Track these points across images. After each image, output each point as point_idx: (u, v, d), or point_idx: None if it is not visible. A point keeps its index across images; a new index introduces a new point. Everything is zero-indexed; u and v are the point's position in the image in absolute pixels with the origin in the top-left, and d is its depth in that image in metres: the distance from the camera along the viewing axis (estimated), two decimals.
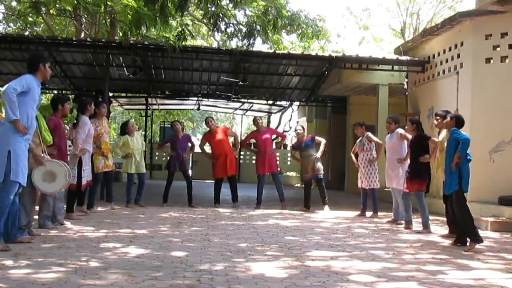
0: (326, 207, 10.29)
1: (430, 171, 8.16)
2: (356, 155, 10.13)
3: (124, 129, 10.35)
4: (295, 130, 10.94)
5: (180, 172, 10.50)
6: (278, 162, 11.15)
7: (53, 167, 6.22)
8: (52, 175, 6.22)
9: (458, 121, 6.90)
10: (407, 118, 8.66)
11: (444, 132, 7.50)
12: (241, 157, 21.08)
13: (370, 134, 9.93)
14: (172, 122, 11.18)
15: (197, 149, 11.35)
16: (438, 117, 7.68)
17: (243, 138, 16.44)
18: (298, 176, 19.95)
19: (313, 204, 10.57)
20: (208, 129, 10.85)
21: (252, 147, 11.70)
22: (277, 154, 11.39)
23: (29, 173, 6.05)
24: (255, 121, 11.07)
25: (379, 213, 9.77)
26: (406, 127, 8.43)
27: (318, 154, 10.36)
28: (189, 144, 10.81)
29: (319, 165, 10.36)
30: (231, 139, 11.30)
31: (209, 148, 11.10)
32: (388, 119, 9.22)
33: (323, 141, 10.61)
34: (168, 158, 10.85)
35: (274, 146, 11.12)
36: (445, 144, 7.25)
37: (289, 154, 11.26)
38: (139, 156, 10.22)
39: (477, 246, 6.36)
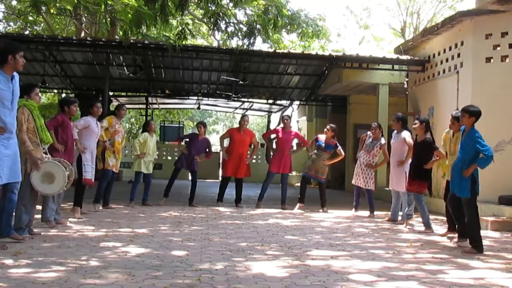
0: (325, 209, 10.34)
1: (431, 174, 8.16)
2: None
3: (146, 127, 10.55)
4: (326, 127, 10.70)
5: (186, 170, 10.51)
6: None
7: (51, 168, 6.21)
8: (51, 176, 6.20)
9: (475, 114, 6.31)
10: (415, 117, 8.41)
11: (450, 133, 7.44)
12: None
13: (385, 146, 9.76)
14: (197, 123, 11.18)
15: (213, 153, 11.28)
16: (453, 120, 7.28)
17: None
18: (298, 176, 19.95)
19: (313, 204, 10.59)
20: (237, 125, 10.89)
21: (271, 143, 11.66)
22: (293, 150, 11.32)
23: (29, 174, 6.06)
24: (284, 120, 11.03)
25: (379, 213, 9.80)
26: (414, 126, 8.23)
27: (327, 162, 10.35)
28: (206, 150, 10.75)
29: (324, 169, 10.36)
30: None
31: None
32: (393, 118, 9.09)
33: (343, 154, 10.50)
34: (179, 154, 10.85)
35: (295, 147, 11.05)
36: (453, 145, 7.19)
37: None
38: (151, 157, 10.31)
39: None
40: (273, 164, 10.74)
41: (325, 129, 10.60)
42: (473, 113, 6.31)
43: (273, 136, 11.27)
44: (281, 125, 11.29)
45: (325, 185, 10.62)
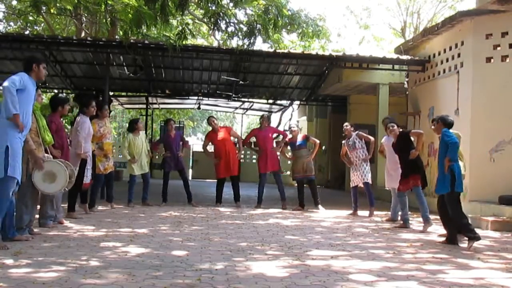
0: (320, 206, 10.32)
1: (422, 164, 8.21)
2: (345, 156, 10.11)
3: (133, 125, 10.34)
4: (290, 127, 10.89)
5: (176, 171, 10.51)
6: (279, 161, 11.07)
7: (53, 167, 6.21)
8: (52, 176, 6.20)
9: (445, 123, 6.85)
10: (435, 118, 8.17)
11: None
12: (242, 156, 21.08)
13: (360, 132, 9.94)
14: (166, 120, 11.21)
15: (192, 146, 11.31)
16: (434, 122, 7.44)
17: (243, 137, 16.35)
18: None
19: (309, 203, 10.57)
20: (211, 128, 10.88)
21: (252, 145, 11.69)
22: (278, 153, 11.33)
23: (30, 173, 6.07)
24: (261, 118, 11.11)
25: (379, 213, 9.81)
26: (392, 129, 8.38)
27: (310, 157, 10.35)
28: (181, 142, 10.81)
29: (311, 166, 10.36)
30: (233, 140, 11.31)
31: (211, 148, 11.11)
32: (384, 120, 9.17)
33: (317, 141, 10.61)
34: (162, 159, 10.82)
35: (275, 145, 11.10)
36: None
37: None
38: (143, 156, 10.22)
39: (477, 245, 6.36)
40: (260, 165, 10.74)
41: (292, 131, 10.63)
42: (440, 119, 6.93)
43: (252, 139, 11.30)
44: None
45: (315, 182, 10.62)
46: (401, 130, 8.43)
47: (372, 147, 9.93)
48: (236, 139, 11.39)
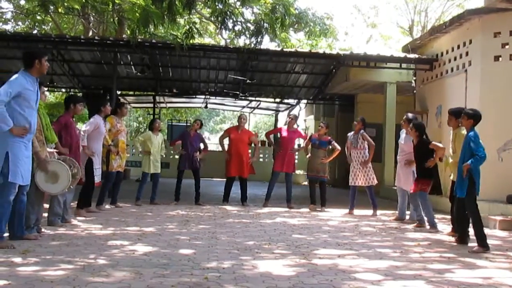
0: (324, 208, 10.27)
1: (437, 172, 8.11)
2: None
3: (151, 125, 10.62)
4: (320, 124, 10.71)
5: (189, 170, 10.52)
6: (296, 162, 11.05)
7: (55, 168, 6.20)
8: (55, 176, 6.19)
9: (477, 120, 6.52)
10: (411, 123, 8.26)
11: (451, 132, 7.40)
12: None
13: (365, 133, 9.79)
14: (194, 120, 11.32)
15: (210, 148, 11.37)
16: (451, 116, 7.31)
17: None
18: (305, 174, 19.91)
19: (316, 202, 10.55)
20: (235, 124, 10.98)
21: (272, 139, 11.69)
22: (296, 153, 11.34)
23: (33, 173, 6.06)
24: (289, 118, 11.08)
25: (386, 212, 9.79)
26: (409, 129, 8.30)
27: (324, 160, 10.27)
28: (201, 145, 10.86)
29: (324, 167, 10.31)
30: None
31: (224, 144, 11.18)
32: (404, 119, 8.92)
33: (338, 149, 10.39)
34: (179, 156, 10.90)
35: (296, 147, 11.10)
36: (453, 143, 7.18)
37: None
38: (157, 156, 10.33)
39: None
40: (276, 162, 10.74)
41: (319, 126, 10.56)
42: (470, 116, 6.50)
43: (277, 134, 11.29)
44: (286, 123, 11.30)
45: (326, 184, 10.57)
46: (423, 138, 8.10)
47: (371, 152, 9.78)
48: (253, 144, 11.38)
